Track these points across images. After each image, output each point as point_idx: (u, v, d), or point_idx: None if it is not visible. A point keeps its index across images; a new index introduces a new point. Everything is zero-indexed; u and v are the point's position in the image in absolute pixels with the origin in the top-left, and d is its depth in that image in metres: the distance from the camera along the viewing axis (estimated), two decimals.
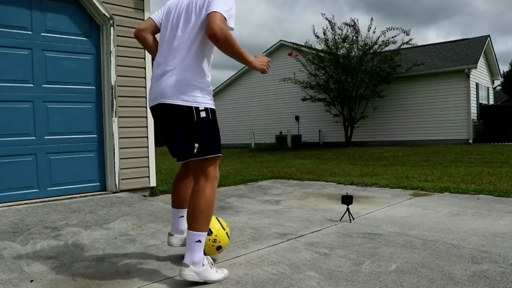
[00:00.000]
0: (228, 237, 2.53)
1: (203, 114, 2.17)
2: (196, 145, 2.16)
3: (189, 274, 2.09)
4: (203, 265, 2.13)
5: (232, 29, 2.13)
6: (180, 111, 2.15)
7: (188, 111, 2.15)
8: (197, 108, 2.15)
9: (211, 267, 2.17)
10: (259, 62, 2.30)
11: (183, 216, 2.46)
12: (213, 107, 2.24)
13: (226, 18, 2.09)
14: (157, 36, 2.44)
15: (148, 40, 2.40)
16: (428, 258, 2.46)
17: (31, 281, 2.24)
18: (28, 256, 2.63)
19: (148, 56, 5.00)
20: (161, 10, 2.42)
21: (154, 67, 2.32)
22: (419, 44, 17.86)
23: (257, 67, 2.28)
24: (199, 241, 2.13)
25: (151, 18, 2.42)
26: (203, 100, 2.18)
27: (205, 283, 2.13)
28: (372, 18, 17.25)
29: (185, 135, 2.18)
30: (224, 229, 2.50)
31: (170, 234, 2.52)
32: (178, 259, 2.54)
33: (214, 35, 2.02)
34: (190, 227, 2.15)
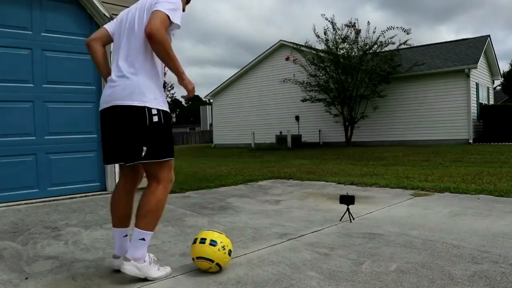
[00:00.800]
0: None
1: (155, 119, 2.14)
2: (144, 148, 2.14)
3: (130, 268, 2.12)
4: (144, 261, 2.15)
5: (178, 26, 2.15)
6: (132, 112, 2.12)
7: (141, 112, 2.12)
8: (149, 110, 2.13)
9: (152, 264, 2.19)
10: (190, 81, 2.24)
11: (127, 236, 2.35)
12: (166, 109, 2.22)
13: (169, 16, 2.09)
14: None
15: (97, 50, 2.39)
16: (428, 258, 2.46)
17: (26, 278, 2.24)
18: (28, 256, 2.63)
19: None
20: (115, 20, 2.43)
21: (110, 73, 2.30)
22: (418, 44, 17.90)
23: (185, 82, 2.22)
24: (144, 239, 2.15)
25: (104, 28, 2.44)
26: (155, 103, 2.16)
27: (145, 279, 2.15)
28: (368, 22, 17.23)
29: (135, 138, 2.14)
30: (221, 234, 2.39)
31: (115, 257, 2.34)
32: (179, 259, 2.54)
33: (149, 33, 2.02)
34: (136, 224, 2.15)
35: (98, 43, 2.41)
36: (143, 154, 2.14)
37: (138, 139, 2.13)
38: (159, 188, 2.21)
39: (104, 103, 2.25)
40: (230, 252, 2.33)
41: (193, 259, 2.31)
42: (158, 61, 2.24)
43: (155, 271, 2.19)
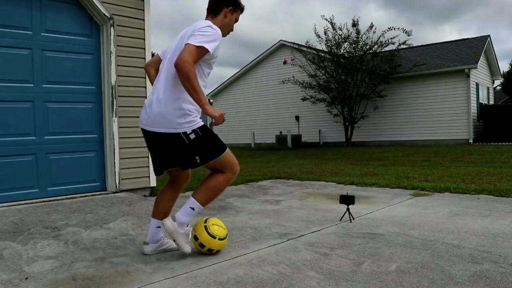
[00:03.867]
0: (220, 238, 2.60)
1: (192, 136, 2.36)
2: (197, 157, 2.38)
3: (169, 225, 2.40)
4: (183, 230, 2.44)
5: (208, 51, 2.31)
6: (171, 138, 2.37)
7: (178, 138, 2.36)
8: (185, 133, 2.35)
9: (186, 235, 2.47)
10: (214, 110, 2.35)
11: (160, 227, 2.62)
12: (200, 124, 2.39)
13: (205, 46, 2.28)
14: None
15: (151, 74, 2.70)
16: (428, 258, 2.46)
17: (26, 278, 2.24)
18: (28, 256, 2.63)
19: (148, 56, 5.00)
20: (165, 49, 2.66)
21: (151, 92, 2.56)
22: (419, 44, 17.88)
23: (209, 112, 2.32)
24: (193, 209, 2.43)
25: (158, 54, 2.70)
26: (188, 125, 2.36)
27: (174, 240, 2.44)
28: (372, 23, 17.24)
29: (183, 153, 2.39)
30: (215, 237, 2.57)
31: (145, 243, 2.64)
32: (179, 259, 2.54)
33: (176, 64, 2.23)
34: (194, 194, 2.45)
35: (152, 68, 2.71)
36: (198, 161, 2.39)
37: (186, 154, 2.38)
38: (222, 176, 2.46)
39: (142, 125, 2.51)
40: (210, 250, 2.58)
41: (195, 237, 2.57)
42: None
43: (184, 242, 2.45)
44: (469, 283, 2.06)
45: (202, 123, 2.40)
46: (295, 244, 2.84)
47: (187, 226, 2.48)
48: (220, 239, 2.58)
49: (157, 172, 2.59)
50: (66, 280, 2.23)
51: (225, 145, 2.48)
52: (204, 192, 2.45)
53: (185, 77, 2.20)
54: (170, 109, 2.35)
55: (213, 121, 2.42)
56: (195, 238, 2.56)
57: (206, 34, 2.32)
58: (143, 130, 2.52)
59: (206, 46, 2.29)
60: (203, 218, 2.68)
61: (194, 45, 2.26)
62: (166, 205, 2.65)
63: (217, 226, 2.61)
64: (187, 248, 2.46)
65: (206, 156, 2.39)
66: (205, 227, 2.57)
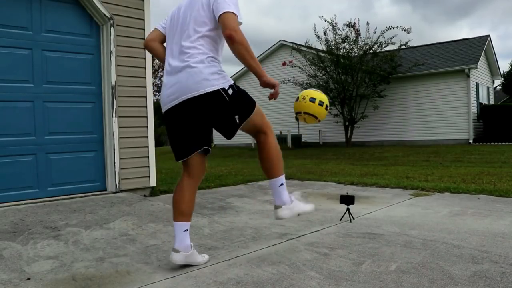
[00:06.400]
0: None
1: (230, 92, 2.26)
2: (237, 116, 2.29)
3: (285, 213, 2.39)
4: (292, 201, 2.43)
5: (241, 23, 2.21)
6: (209, 99, 2.21)
7: (217, 96, 2.22)
8: (224, 89, 2.24)
9: (299, 201, 2.47)
10: (272, 78, 2.35)
11: (187, 230, 2.36)
12: (232, 82, 2.32)
13: (237, 14, 2.18)
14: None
15: (157, 48, 2.48)
16: (428, 258, 2.46)
17: (28, 279, 2.24)
18: (28, 256, 2.63)
19: (148, 56, 5.00)
20: (164, 19, 2.51)
21: (165, 73, 2.36)
22: (419, 44, 17.87)
23: (269, 79, 2.31)
24: (282, 184, 2.40)
25: (156, 28, 2.51)
26: (224, 81, 2.25)
27: (298, 215, 2.46)
28: (367, 22, 17.24)
29: (223, 115, 2.27)
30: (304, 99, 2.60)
31: (175, 251, 2.33)
32: None
33: (230, 35, 2.13)
34: (270, 176, 2.40)
35: (156, 42, 2.48)
36: (238, 121, 2.30)
37: (227, 113, 2.27)
38: (269, 137, 2.41)
39: (171, 101, 2.29)
40: (321, 103, 2.58)
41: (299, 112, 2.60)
42: (218, 46, 2.33)
43: (303, 206, 2.49)
44: (469, 283, 2.06)
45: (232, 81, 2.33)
46: (295, 244, 2.84)
47: (291, 196, 2.47)
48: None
49: (181, 156, 2.36)
50: (66, 280, 2.23)
51: (253, 99, 2.41)
52: (277, 165, 2.40)
53: (243, 47, 2.14)
54: (202, 69, 2.22)
55: (273, 93, 2.39)
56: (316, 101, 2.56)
57: (231, 0, 2.21)
58: (169, 112, 2.32)
59: (238, 13, 2.20)
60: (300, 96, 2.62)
61: (235, 13, 2.17)
62: (190, 204, 2.37)
63: (312, 92, 2.60)
64: (310, 207, 2.52)
65: (244, 113, 2.32)
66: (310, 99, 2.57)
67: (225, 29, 2.14)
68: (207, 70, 2.22)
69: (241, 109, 2.31)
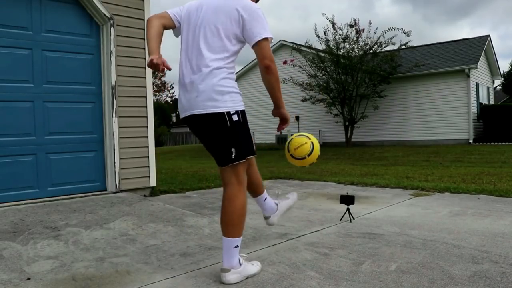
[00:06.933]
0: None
1: (235, 118, 2.15)
2: (233, 149, 2.15)
3: (233, 277, 2.15)
4: (240, 264, 2.20)
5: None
6: (213, 119, 2.13)
7: (221, 118, 2.12)
8: (228, 113, 2.13)
9: (246, 262, 2.26)
10: (288, 114, 2.36)
11: (266, 198, 2.53)
12: (243, 108, 2.22)
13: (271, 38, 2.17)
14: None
15: (155, 25, 2.23)
16: (428, 258, 2.46)
17: (28, 279, 2.24)
18: (28, 256, 2.63)
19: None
20: (178, 9, 2.33)
21: (181, 74, 2.26)
22: (419, 44, 17.87)
23: (285, 112, 2.31)
24: (237, 246, 2.18)
25: (168, 12, 2.31)
26: (232, 104, 2.15)
27: (246, 278, 2.21)
28: (370, 21, 17.23)
29: (222, 141, 2.16)
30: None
31: (266, 217, 2.58)
32: (179, 259, 2.54)
33: (268, 66, 2.12)
34: (228, 234, 2.16)
35: (160, 21, 2.25)
36: (233, 156, 2.15)
37: (225, 142, 2.16)
38: (240, 191, 2.20)
39: (183, 112, 2.24)
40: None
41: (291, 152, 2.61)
42: (233, 62, 2.24)
43: (251, 268, 2.27)
44: (469, 283, 2.06)
45: (244, 108, 2.21)
46: (295, 244, 2.84)
47: (239, 258, 2.23)
48: (303, 158, 2.66)
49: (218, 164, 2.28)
50: (66, 280, 2.23)
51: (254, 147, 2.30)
52: (235, 224, 2.17)
53: (275, 77, 2.15)
54: (215, 87, 2.13)
55: (281, 125, 2.38)
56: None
57: (263, 21, 2.14)
58: (185, 121, 2.26)
59: (270, 36, 2.16)
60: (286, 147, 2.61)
61: (268, 38, 2.14)
62: (256, 184, 2.43)
63: (299, 148, 2.64)
64: (257, 266, 2.31)
65: (243, 150, 2.17)
66: (291, 155, 2.61)
67: (264, 59, 2.12)
68: (219, 88, 2.14)
69: (240, 142, 2.17)
